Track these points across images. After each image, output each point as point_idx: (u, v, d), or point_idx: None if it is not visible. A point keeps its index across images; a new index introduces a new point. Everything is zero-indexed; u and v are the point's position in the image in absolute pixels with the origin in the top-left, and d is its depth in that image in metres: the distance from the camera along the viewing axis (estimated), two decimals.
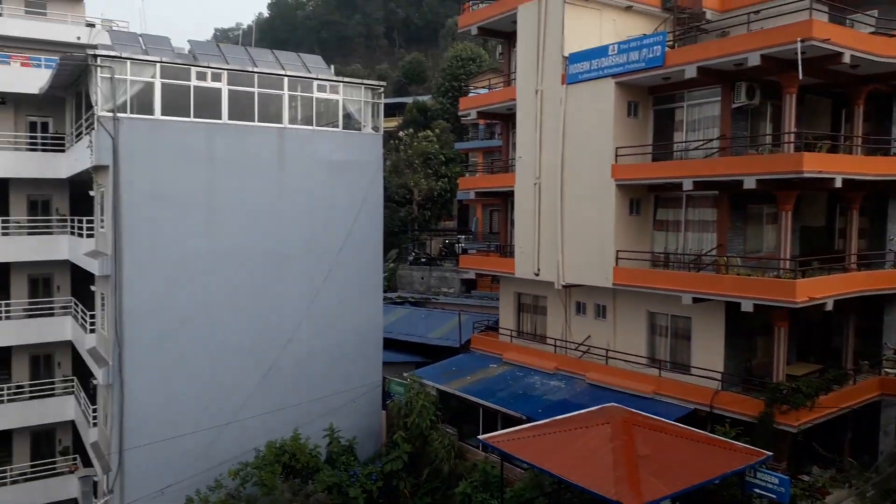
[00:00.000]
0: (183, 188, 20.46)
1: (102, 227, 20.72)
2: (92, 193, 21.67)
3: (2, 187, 25.32)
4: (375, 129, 24.43)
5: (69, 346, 25.64)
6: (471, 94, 31.17)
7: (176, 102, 20.70)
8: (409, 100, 63.70)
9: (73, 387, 25.19)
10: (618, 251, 19.76)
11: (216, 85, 21.34)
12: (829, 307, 17.53)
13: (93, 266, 20.30)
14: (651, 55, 18.80)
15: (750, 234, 19.31)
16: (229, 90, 21.50)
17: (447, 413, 22.83)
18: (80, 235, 22.60)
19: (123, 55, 19.93)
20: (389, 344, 27.63)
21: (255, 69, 22.11)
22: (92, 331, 21.91)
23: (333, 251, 23.09)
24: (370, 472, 20.79)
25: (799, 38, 15.84)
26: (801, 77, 16.34)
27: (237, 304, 21.31)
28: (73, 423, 25.46)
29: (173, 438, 19.81)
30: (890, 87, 19.37)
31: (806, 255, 18.73)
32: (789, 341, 18.32)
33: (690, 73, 17.98)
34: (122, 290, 19.37)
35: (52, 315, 25.32)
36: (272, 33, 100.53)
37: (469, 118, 29.98)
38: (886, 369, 19.26)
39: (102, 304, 21.06)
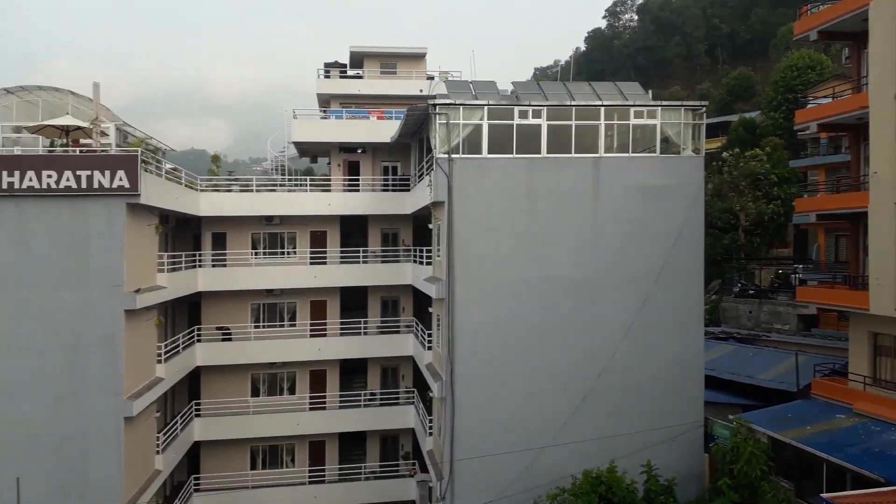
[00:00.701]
0: (506, 219, 21.88)
1: (439, 256, 23.16)
2: (430, 226, 24.38)
3: (362, 222, 29.96)
4: (696, 151, 23.22)
5: (410, 360, 29.07)
6: (810, 106, 27.83)
7: (500, 140, 22.34)
8: (734, 118, 59.39)
9: (413, 398, 28.38)
10: None
11: (536, 121, 22.48)
12: None
13: (430, 290, 22.76)
14: None
15: None
16: (548, 125, 22.48)
17: (780, 464, 20.33)
18: (421, 263, 25.56)
19: (457, 102, 22.20)
20: (711, 382, 25.75)
21: (573, 102, 22.76)
22: (429, 348, 24.50)
23: (650, 280, 22.42)
24: None
25: None
26: None
27: (554, 330, 21.92)
28: (412, 430, 28.67)
29: (496, 455, 21.03)
30: None
31: None
32: None
33: None
34: (454, 312, 21.34)
35: (398, 332, 29.00)
36: (588, 65, 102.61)
37: (808, 132, 26.86)
38: None
39: (438, 325, 23.44)
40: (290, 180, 29.99)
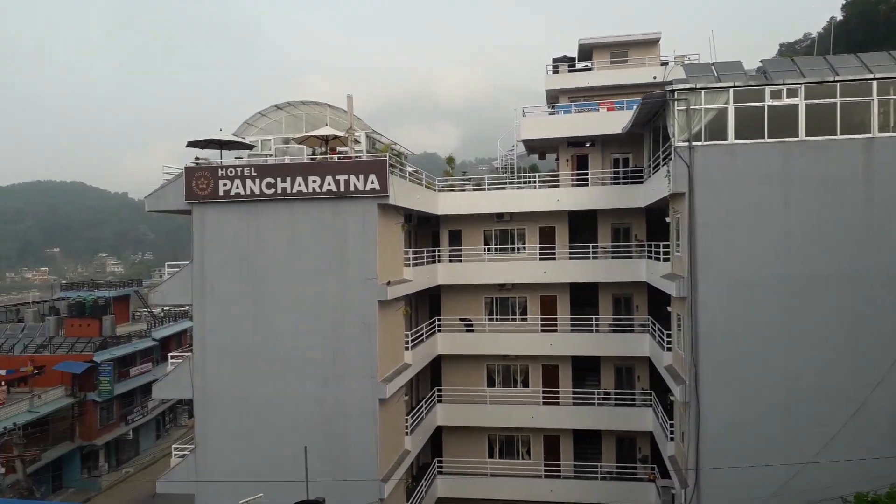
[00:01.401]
0: (757, 210, 20.02)
1: (678, 252, 21.94)
2: (667, 220, 23.18)
3: (591, 217, 29.46)
4: None
5: (647, 361, 27.97)
6: None
7: (748, 125, 20.50)
8: None
9: (650, 400, 27.28)
10: None
11: (792, 101, 20.25)
12: None
13: (669, 288, 21.65)
14: None
15: None
16: (806, 105, 20.14)
17: None
18: (657, 259, 24.43)
19: (698, 86, 20.80)
20: None
21: (837, 78, 20.14)
22: (668, 349, 23.34)
23: None
24: None
25: None
26: None
27: (815, 333, 19.59)
28: (650, 434, 27.58)
29: (747, 467, 19.39)
30: None
31: None
32: None
33: None
34: (697, 312, 20.05)
35: (631, 331, 28.08)
36: (847, 36, 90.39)
37: None
38: None
39: (678, 325, 22.23)
40: (519, 178, 30.49)
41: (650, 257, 26.28)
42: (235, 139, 24.71)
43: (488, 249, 29.87)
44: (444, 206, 28.94)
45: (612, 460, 28.88)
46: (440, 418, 29.06)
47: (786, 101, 20.24)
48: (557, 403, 28.82)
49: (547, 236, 29.57)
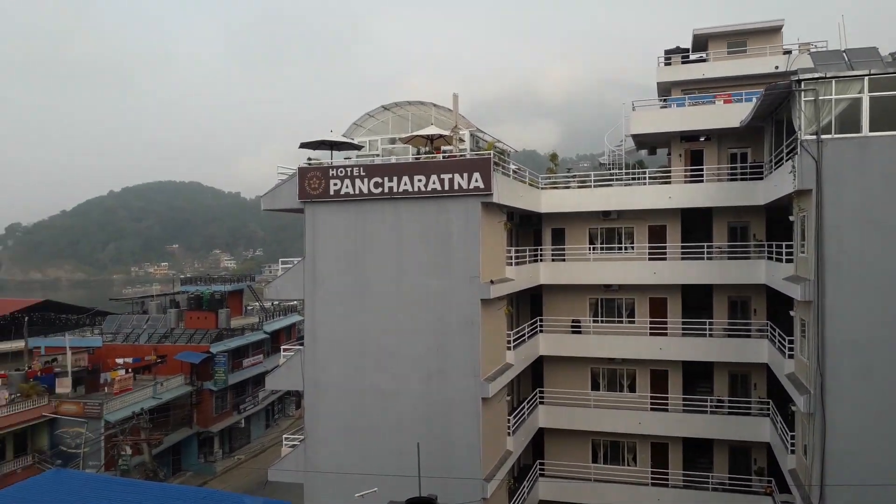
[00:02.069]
0: (893, 209, 18.38)
1: (803, 252, 20.49)
2: (791, 218, 21.72)
3: (706, 215, 28.07)
4: None
5: (764, 368, 26.38)
6: None
7: (884, 116, 18.83)
8: None
9: (768, 409, 25.71)
10: None
11: None
12: None
13: (793, 291, 20.25)
14: None
15: None
16: None
17: None
18: (778, 260, 22.95)
19: (828, 75, 19.33)
20: None
21: None
22: (790, 356, 21.88)
23: None
24: None
25: None
26: None
27: None
28: (767, 445, 26.00)
29: (879, 487, 17.83)
30: None
31: None
32: None
33: None
34: (824, 318, 18.65)
35: (748, 336, 26.54)
36: None
37: None
38: None
39: (802, 331, 20.77)
40: (627, 174, 29.54)
41: (770, 258, 24.73)
42: (345, 140, 25.34)
43: (593, 248, 29.11)
44: (547, 204, 28.47)
45: (725, 471, 27.43)
46: (542, 420, 28.64)
47: None
48: (666, 410, 27.69)
49: (657, 235, 28.46)
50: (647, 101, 29.63)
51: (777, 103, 22.49)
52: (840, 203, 18.77)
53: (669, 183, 28.30)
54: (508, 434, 24.94)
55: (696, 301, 28.16)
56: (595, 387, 29.12)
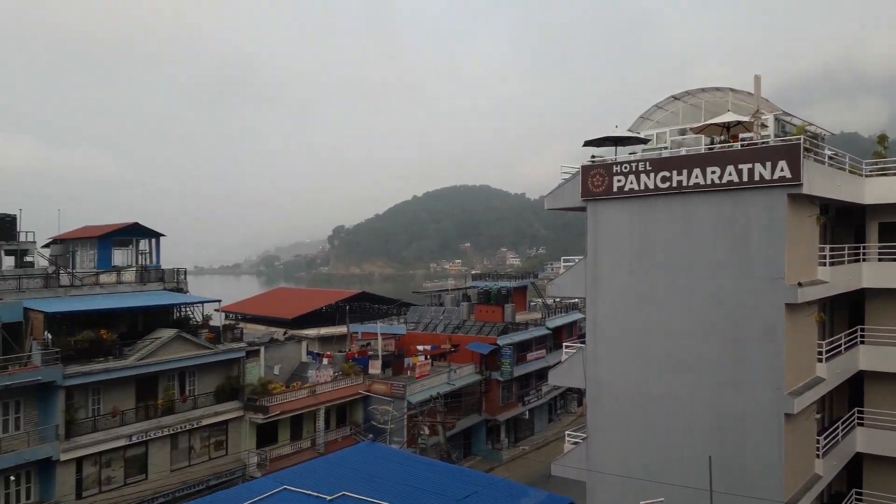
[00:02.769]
0: None
1: None
2: None
3: None
4: None
5: None
6: None
7: None
8: None
9: None
10: None
11: None
12: None
13: None
14: None
15: None
16: None
17: None
18: None
19: None
20: None
21: None
22: None
23: None
24: None
25: None
26: None
27: None
28: None
29: None
30: None
31: None
32: None
33: None
34: None
35: None
36: None
37: None
38: None
39: None
40: None
41: None
42: (630, 135, 24.57)
43: None
44: (873, 194, 24.30)
45: None
46: (860, 444, 24.58)
47: None
48: None
49: None
50: None
51: None
52: None
53: None
54: (817, 456, 21.88)
55: None
56: None
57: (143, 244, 44.16)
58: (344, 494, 18.34)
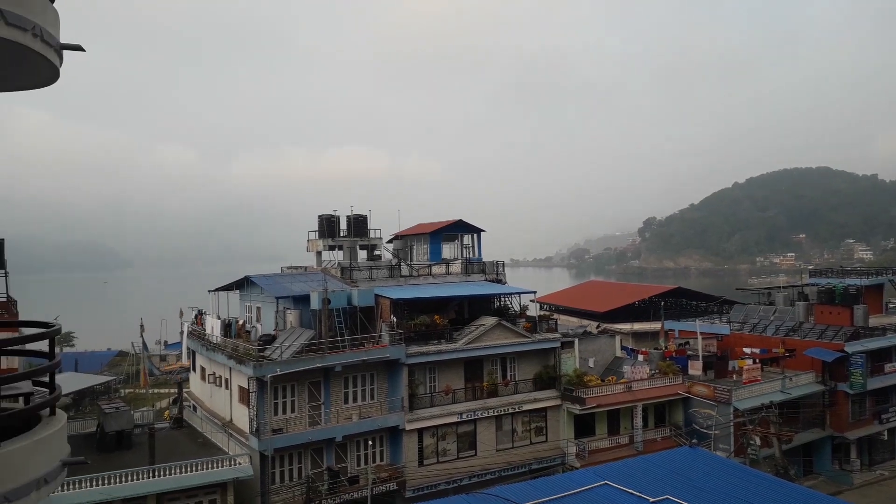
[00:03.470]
0: None
1: None
2: None
3: None
4: None
5: None
6: None
7: None
8: None
9: None
10: None
11: None
12: None
13: None
14: None
15: None
16: None
17: None
18: None
19: None
20: None
21: None
22: None
23: None
24: None
25: None
26: None
27: None
28: None
29: None
30: None
31: None
32: None
33: None
34: None
35: None
36: None
37: None
38: None
39: None
40: None
41: None
42: None
43: None
44: None
45: None
46: None
47: None
48: None
49: None
50: None
51: None
52: None
53: None
54: None
55: None
56: None
57: (467, 239, 47.93)
58: (668, 498, 17.41)
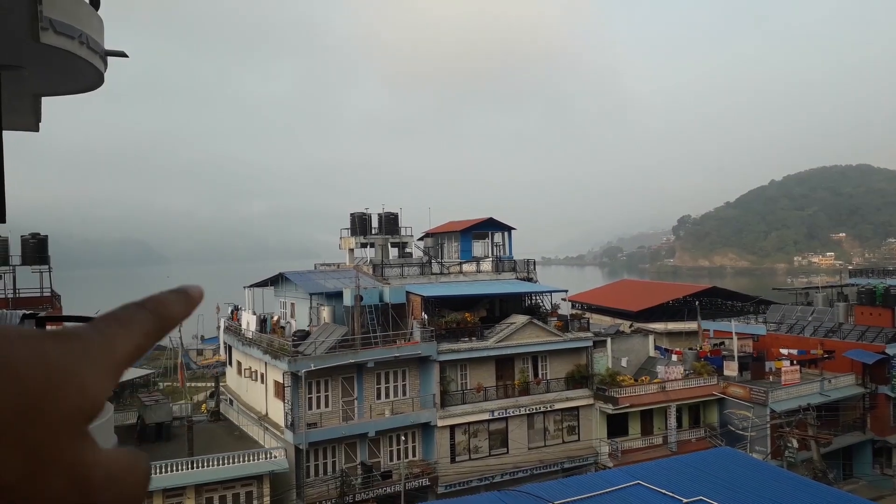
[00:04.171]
0: None
1: None
2: None
3: None
4: None
5: None
6: None
7: None
8: None
9: None
10: None
11: None
12: None
13: None
14: None
15: None
16: None
17: None
18: None
19: None
20: None
21: None
22: None
23: None
24: None
25: None
26: None
27: None
28: None
29: None
30: None
31: None
32: None
33: None
34: None
35: None
36: None
37: None
38: None
39: None
40: None
41: None
42: None
43: None
44: None
45: None
46: None
47: None
48: None
49: None
50: None
51: None
52: None
53: None
54: None
55: None
56: None
57: (497, 237, 47.87)
58: (701, 499, 17.26)
